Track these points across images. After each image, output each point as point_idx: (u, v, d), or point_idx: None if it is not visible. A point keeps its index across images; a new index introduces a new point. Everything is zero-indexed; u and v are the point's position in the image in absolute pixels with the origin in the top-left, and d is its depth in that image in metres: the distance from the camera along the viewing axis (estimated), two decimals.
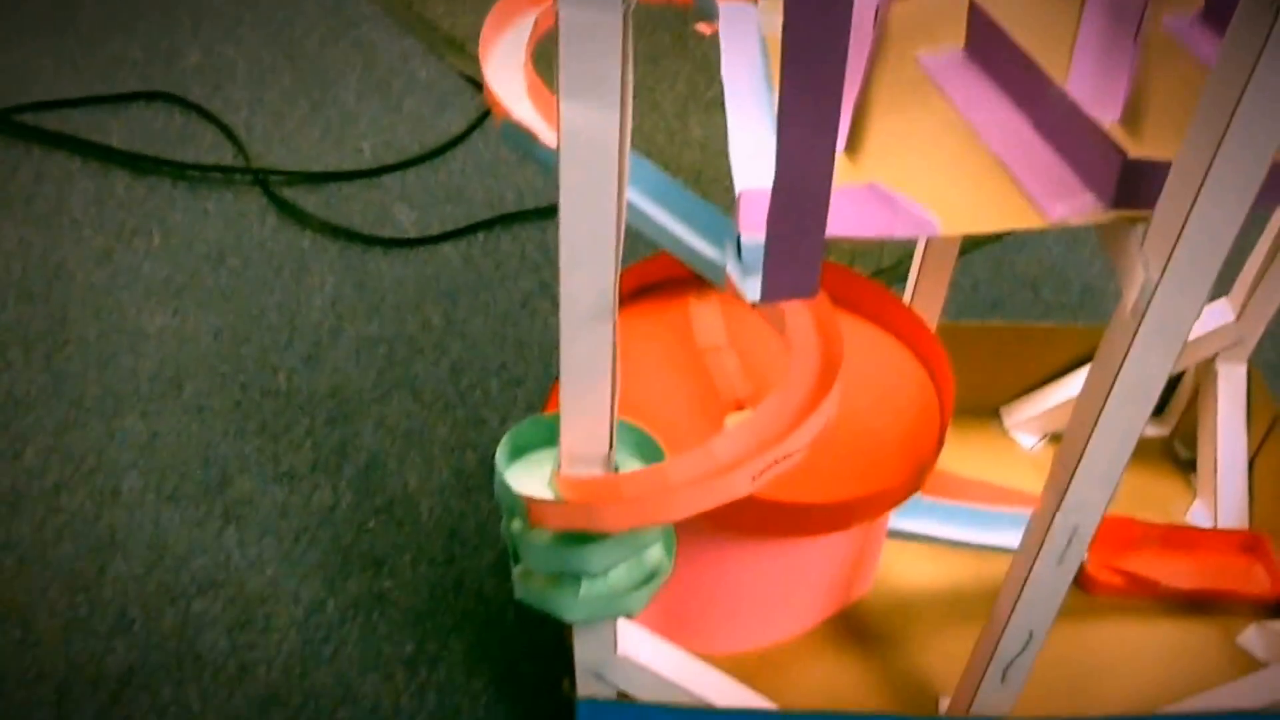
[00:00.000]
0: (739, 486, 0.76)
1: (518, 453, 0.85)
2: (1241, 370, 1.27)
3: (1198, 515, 1.27)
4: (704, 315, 1.08)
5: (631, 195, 0.82)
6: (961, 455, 1.27)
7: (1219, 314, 1.24)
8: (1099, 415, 0.79)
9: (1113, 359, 0.76)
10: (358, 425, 1.32)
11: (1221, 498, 1.25)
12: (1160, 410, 1.35)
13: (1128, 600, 1.19)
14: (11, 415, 1.31)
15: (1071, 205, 0.75)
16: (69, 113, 1.71)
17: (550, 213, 1.57)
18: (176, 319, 1.43)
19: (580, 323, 0.72)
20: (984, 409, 1.35)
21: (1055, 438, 1.33)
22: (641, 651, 0.96)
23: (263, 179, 1.60)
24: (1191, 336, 1.19)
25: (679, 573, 1.02)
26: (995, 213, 0.77)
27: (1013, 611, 0.92)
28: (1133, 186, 0.73)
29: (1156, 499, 1.28)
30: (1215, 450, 1.26)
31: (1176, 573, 1.18)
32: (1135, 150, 0.74)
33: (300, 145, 1.67)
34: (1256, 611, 1.19)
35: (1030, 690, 1.04)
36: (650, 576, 0.86)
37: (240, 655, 1.13)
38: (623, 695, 0.98)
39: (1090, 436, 0.80)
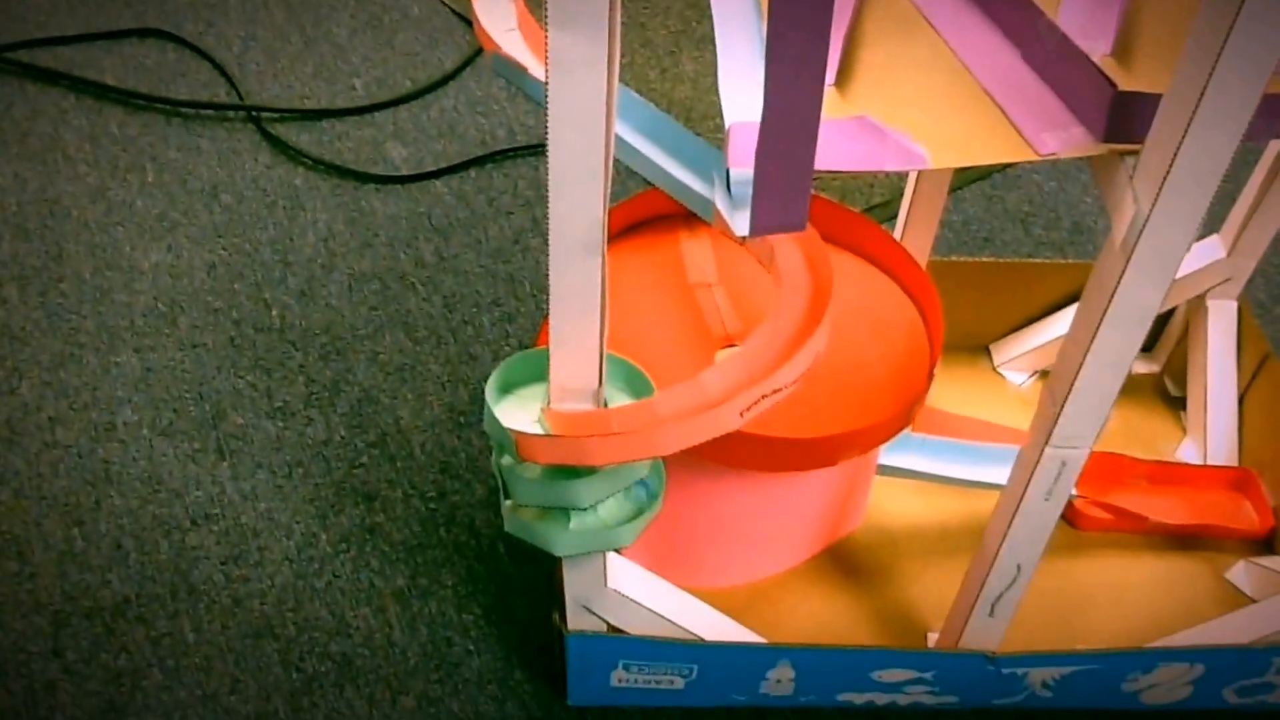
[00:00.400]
0: (728, 421, 0.76)
1: (508, 388, 0.84)
2: (1232, 307, 1.26)
3: (1187, 452, 1.26)
4: (695, 251, 1.07)
5: (620, 129, 0.81)
6: (951, 392, 1.27)
7: (1210, 250, 1.23)
8: (1088, 350, 0.78)
9: (1102, 293, 0.75)
10: (350, 361, 1.31)
11: (1211, 434, 1.24)
12: (1150, 347, 1.35)
13: (1116, 536, 1.18)
14: (7, 350, 1.30)
15: (1062, 138, 0.74)
16: (63, 50, 1.69)
17: (543, 149, 1.55)
18: (170, 255, 1.42)
19: (569, 256, 0.71)
20: (974, 346, 1.34)
21: (1044, 375, 1.32)
22: (631, 585, 0.95)
23: (255, 116, 1.59)
24: (1182, 273, 1.19)
25: (670, 508, 1.02)
26: (985, 146, 0.76)
27: (1001, 545, 0.92)
28: (1123, 119, 0.72)
29: (1146, 436, 1.28)
30: (1205, 387, 1.25)
31: (1165, 509, 1.18)
32: (1126, 83, 0.73)
33: (293, 82, 1.66)
34: (1245, 548, 1.18)
35: (1018, 624, 1.04)
36: (640, 510, 0.85)
37: (234, 588, 1.13)
38: (612, 629, 0.98)
39: (1079, 371, 0.79)
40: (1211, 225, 1.21)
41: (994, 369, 1.33)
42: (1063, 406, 0.82)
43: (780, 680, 1.03)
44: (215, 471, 1.21)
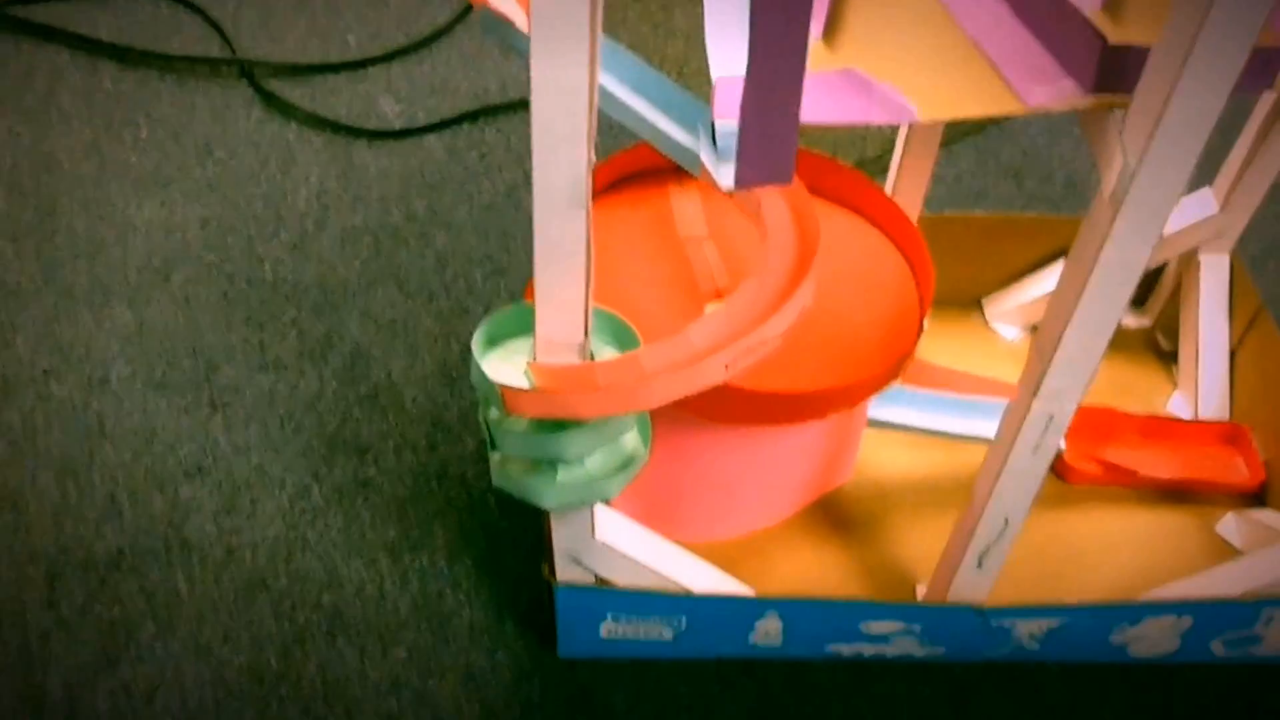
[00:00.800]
0: (712, 375, 0.75)
1: (494, 341, 0.83)
2: (1224, 261, 1.25)
3: (1178, 406, 1.25)
4: (685, 205, 1.06)
5: (607, 82, 0.79)
6: (943, 346, 1.26)
7: (1202, 204, 1.22)
8: (1076, 303, 0.77)
9: (1090, 246, 0.74)
10: (343, 315, 1.30)
11: (1202, 389, 1.23)
12: (1143, 302, 1.33)
13: (1106, 490, 1.18)
14: (1, 305, 1.29)
15: (1050, 91, 0.73)
16: (58, 6, 1.67)
17: None
18: (164, 210, 1.41)
19: (553, 209, 0.70)
20: (966, 300, 1.33)
21: (1036, 329, 1.31)
22: (619, 537, 0.95)
23: (249, 71, 1.57)
24: (1174, 227, 1.18)
25: (661, 461, 1.01)
26: (973, 99, 0.75)
27: (989, 498, 0.91)
28: (1113, 72, 0.71)
29: (1137, 390, 1.27)
30: (1196, 342, 1.24)
31: (1155, 462, 1.17)
32: (1116, 36, 0.71)
33: (286, 37, 1.64)
34: (1235, 501, 1.18)
35: (1007, 577, 1.04)
36: (627, 463, 0.85)
37: (226, 540, 1.12)
38: (601, 581, 0.97)
39: (1067, 325, 0.78)
40: (1204, 178, 1.20)
41: (986, 323, 1.32)
42: (1050, 361, 0.81)
43: (769, 632, 1.02)
44: (208, 425, 1.21)
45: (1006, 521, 0.93)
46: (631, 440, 0.87)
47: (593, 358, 0.79)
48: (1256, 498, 1.17)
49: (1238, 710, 1.04)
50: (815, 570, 1.10)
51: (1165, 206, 0.71)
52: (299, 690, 1.03)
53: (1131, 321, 1.33)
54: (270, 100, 1.54)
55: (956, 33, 0.79)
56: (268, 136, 1.49)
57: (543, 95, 0.65)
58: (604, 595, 0.99)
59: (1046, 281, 1.29)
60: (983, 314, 1.32)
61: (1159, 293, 1.31)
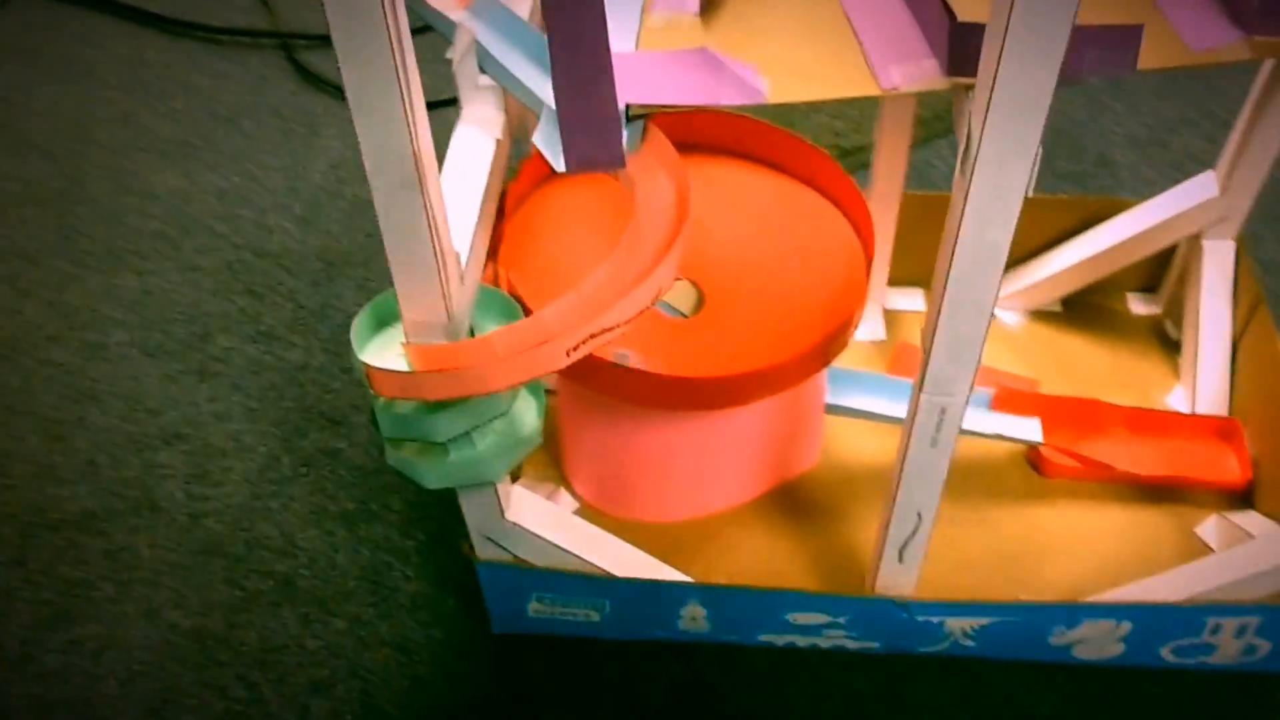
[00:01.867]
0: (554, 360, 0.73)
1: (386, 322, 0.82)
2: (1229, 248, 1.18)
3: (1177, 399, 1.19)
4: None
5: (492, 45, 0.77)
6: None
7: (1203, 188, 1.15)
8: (944, 289, 0.73)
9: (952, 229, 0.70)
10: (340, 286, 1.30)
11: (1201, 381, 1.17)
12: (1154, 289, 1.27)
13: (1086, 485, 1.13)
14: (17, 269, 1.32)
15: (910, 72, 0.70)
16: None
17: None
18: (185, 180, 1.42)
19: (389, 191, 0.69)
20: None
21: (1038, 314, 1.26)
22: (531, 518, 0.93)
23: (286, 43, 1.57)
24: (1174, 211, 1.12)
25: (608, 443, 1.00)
26: (830, 80, 0.72)
27: (898, 493, 0.87)
28: (962, 51, 0.68)
29: (1138, 381, 1.21)
30: (1197, 332, 1.18)
31: (1137, 457, 1.12)
32: (970, 13, 0.67)
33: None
34: (1224, 501, 1.11)
35: (970, 568, 1.04)
36: (516, 444, 0.83)
37: (192, 505, 1.13)
38: (520, 560, 0.96)
39: (940, 312, 0.74)
40: (1209, 161, 1.14)
41: None
42: (929, 350, 0.77)
43: (695, 618, 1.00)
44: (194, 393, 1.22)
45: (919, 515, 0.89)
46: (527, 422, 0.85)
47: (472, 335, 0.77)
48: (1244, 497, 1.10)
49: (1186, 712, 0.99)
50: (767, 556, 1.07)
51: (1014, 188, 0.67)
52: (237, 655, 1.04)
53: (1141, 308, 1.27)
54: (303, 72, 1.54)
55: (836, 10, 0.75)
56: (296, 108, 1.49)
57: (352, 76, 0.63)
58: (525, 575, 0.97)
59: (1048, 264, 1.24)
60: None
61: (1169, 280, 1.25)
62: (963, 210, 0.68)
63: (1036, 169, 0.66)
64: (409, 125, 0.65)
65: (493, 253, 0.97)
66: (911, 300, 1.27)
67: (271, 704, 1.02)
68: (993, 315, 0.74)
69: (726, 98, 0.72)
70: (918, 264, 1.25)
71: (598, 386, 0.94)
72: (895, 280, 1.27)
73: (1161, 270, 1.26)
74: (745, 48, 0.75)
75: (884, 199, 1.13)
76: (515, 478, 1.09)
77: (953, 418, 0.81)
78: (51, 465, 1.17)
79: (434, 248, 0.71)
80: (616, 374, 0.91)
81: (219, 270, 1.33)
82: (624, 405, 0.98)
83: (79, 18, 1.65)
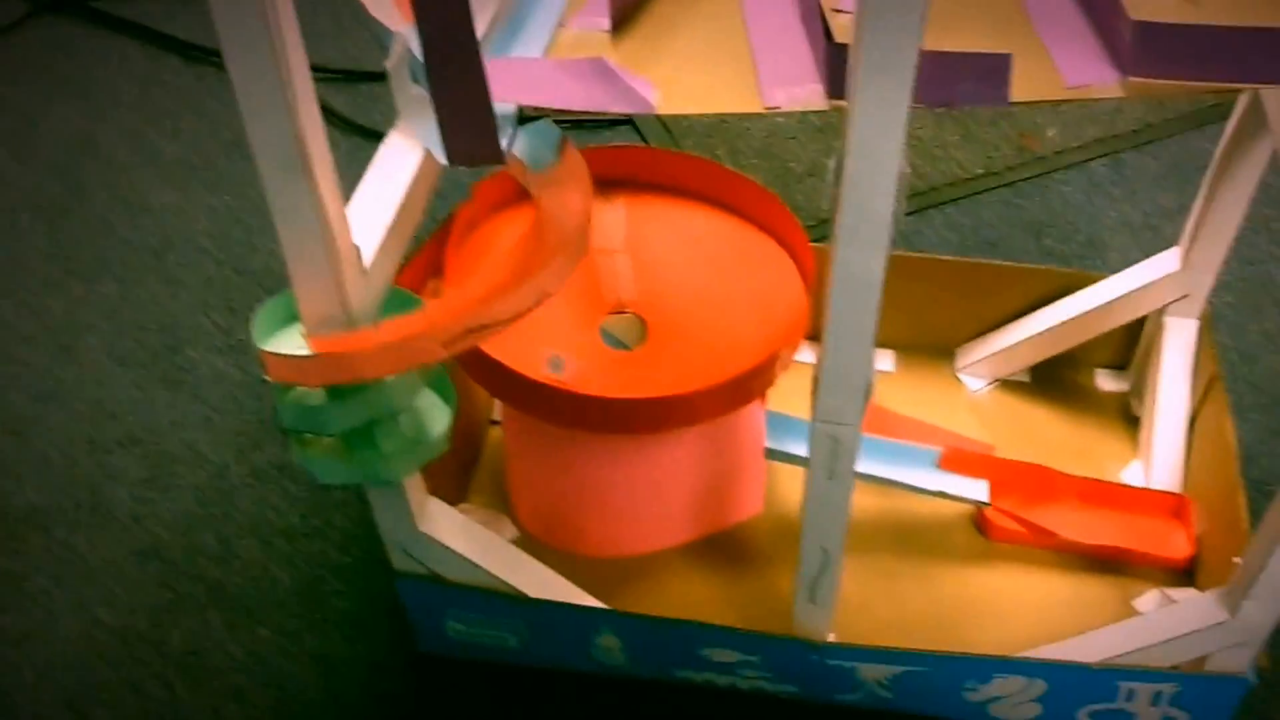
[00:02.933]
0: (430, 351, 0.76)
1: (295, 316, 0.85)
2: (1191, 325, 1.19)
3: (1133, 473, 1.20)
4: (606, 218, 1.07)
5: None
6: (906, 394, 1.26)
7: (1166, 263, 1.17)
8: (826, 321, 0.75)
9: (826, 264, 0.73)
10: None
11: (1155, 457, 1.18)
12: (1124, 367, 1.28)
13: (1031, 551, 1.14)
14: (4, 270, 1.37)
15: (792, 93, 0.73)
16: (141, 3, 1.77)
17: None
18: (180, 196, 1.48)
19: (276, 177, 0.72)
20: (942, 347, 1.30)
21: (1005, 384, 1.27)
22: (444, 531, 0.96)
23: None
24: (1135, 285, 1.14)
25: (550, 471, 1.02)
26: (719, 97, 0.75)
27: (804, 530, 0.89)
28: (839, 74, 0.70)
29: (1096, 454, 1.22)
30: (1155, 408, 1.19)
31: (1085, 527, 1.13)
32: (841, 34, 0.70)
33: (348, 45, 1.70)
34: (1168, 577, 1.12)
35: (902, 623, 1.07)
36: (413, 446, 0.86)
37: (136, 508, 1.17)
38: (437, 576, 0.98)
39: (824, 344, 0.76)
40: (1174, 237, 1.16)
41: (954, 373, 1.28)
42: (818, 381, 0.79)
43: (610, 648, 1.01)
44: (155, 400, 1.26)
45: (825, 553, 0.91)
46: (431, 428, 0.88)
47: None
48: (1189, 574, 1.11)
49: None
50: (696, 598, 1.09)
51: (881, 216, 0.69)
52: (159, 655, 1.07)
53: (1110, 385, 1.28)
54: None
55: (740, 34, 0.78)
56: None
57: (236, 61, 0.66)
58: (441, 591, 0.99)
59: (1015, 333, 1.25)
60: (953, 364, 1.28)
61: (1136, 357, 1.26)
62: (835, 235, 0.70)
63: (904, 193, 0.69)
64: (290, 108, 0.69)
65: (438, 271, 1.01)
66: (881, 360, 1.29)
67: (185, 706, 1.04)
68: (875, 347, 0.77)
69: (616, 105, 0.75)
70: (887, 325, 1.27)
71: (527, 406, 0.97)
72: None
73: (1131, 348, 1.27)
74: (648, 64, 0.78)
75: None
76: (458, 501, 1.12)
77: (847, 449, 0.83)
78: (5, 460, 1.21)
79: (324, 235, 0.74)
80: (547, 395, 0.93)
81: (199, 285, 1.37)
82: (563, 435, 1.00)
83: (101, 38, 1.71)
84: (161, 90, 1.63)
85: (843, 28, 0.71)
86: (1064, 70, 0.70)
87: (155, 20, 1.73)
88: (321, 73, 1.61)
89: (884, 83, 0.64)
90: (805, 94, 0.72)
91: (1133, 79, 0.68)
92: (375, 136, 1.45)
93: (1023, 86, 0.69)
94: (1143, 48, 0.67)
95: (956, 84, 0.68)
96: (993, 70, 0.68)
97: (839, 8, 0.74)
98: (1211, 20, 0.69)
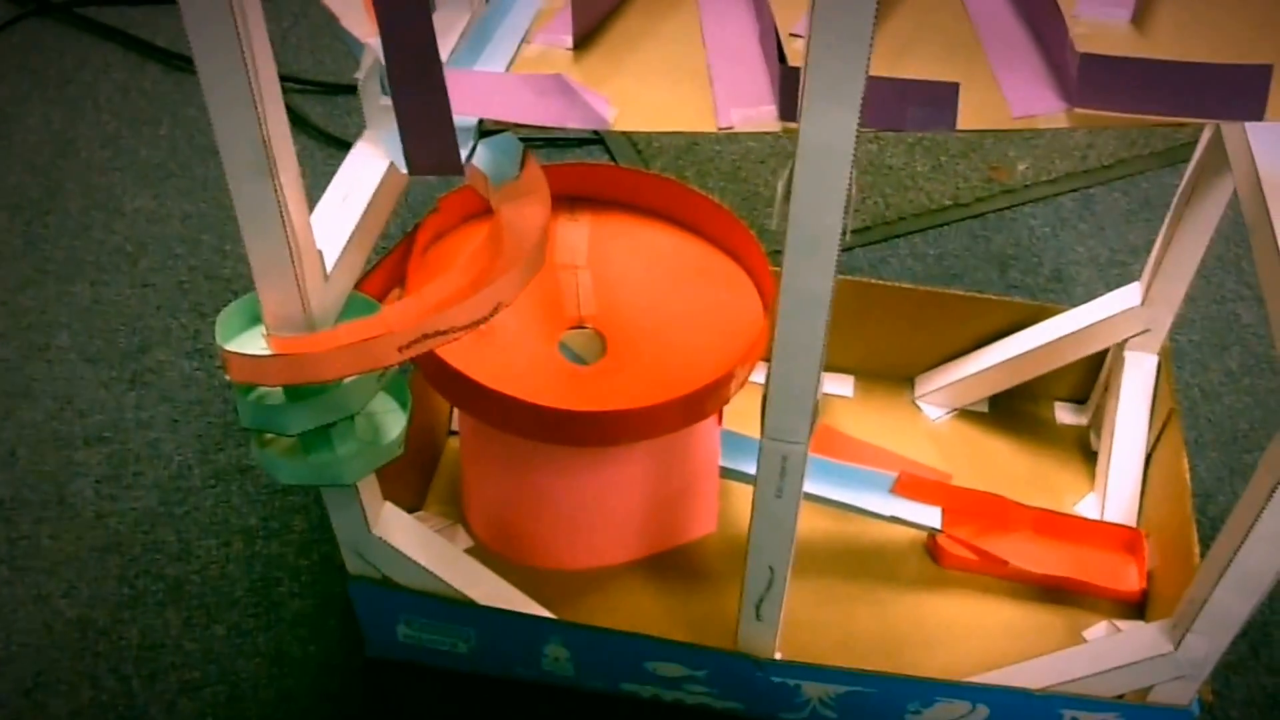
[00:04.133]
0: (385, 355, 0.77)
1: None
2: (1150, 360, 1.21)
3: (1088, 506, 1.21)
4: (571, 234, 1.09)
5: None
6: (864, 420, 1.28)
7: (1127, 297, 1.19)
8: (775, 339, 0.77)
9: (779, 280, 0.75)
10: None
11: (1110, 490, 1.20)
12: (1083, 400, 1.30)
13: (983, 579, 1.15)
14: None
15: (747, 115, 0.74)
16: (126, 10, 1.78)
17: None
18: (155, 201, 1.49)
19: (242, 179, 0.74)
20: (901, 376, 1.31)
21: (964, 413, 1.29)
22: (397, 535, 0.97)
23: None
24: (1094, 319, 1.15)
25: (503, 481, 1.04)
26: (674, 116, 0.76)
27: (751, 548, 0.90)
28: (791, 96, 0.72)
29: (1053, 486, 1.24)
30: (1112, 441, 1.21)
31: (1037, 557, 1.14)
32: (795, 58, 0.72)
33: (326, 59, 1.72)
34: (1119, 610, 1.13)
35: (848, 645, 1.08)
36: (367, 449, 0.87)
37: (100, 505, 1.18)
38: (389, 580, 0.99)
39: (773, 361, 0.78)
40: (1137, 272, 1.18)
41: (913, 401, 1.30)
42: (767, 397, 0.81)
43: (558, 659, 1.03)
44: (122, 399, 1.27)
45: (772, 570, 0.92)
46: (387, 432, 0.89)
47: None
48: (1140, 608, 1.12)
49: None
50: (645, 613, 1.11)
51: (828, 237, 0.71)
52: (116, 648, 1.08)
53: (1070, 419, 1.30)
54: (289, 114, 1.60)
55: (699, 55, 0.80)
56: None
57: (207, 65, 0.68)
58: (393, 595, 1.01)
59: (973, 364, 1.27)
60: (912, 392, 1.30)
61: (1097, 392, 1.28)
62: (785, 253, 0.72)
63: (850, 217, 0.70)
64: (258, 112, 0.70)
65: (402, 282, 1.02)
66: (840, 385, 1.30)
67: (139, 698, 1.06)
68: (823, 366, 0.78)
69: (573, 121, 0.77)
70: (847, 351, 1.30)
71: (484, 416, 0.98)
72: (826, 365, 1.30)
73: (1091, 382, 1.29)
74: (608, 81, 0.80)
75: None
76: (414, 509, 1.14)
77: (795, 468, 0.85)
78: None
79: (287, 238, 0.75)
80: (503, 404, 0.95)
81: (170, 288, 1.39)
82: (519, 445, 1.02)
83: (85, 43, 1.73)
84: (141, 96, 1.64)
85: (797, 52, 0.72)
86: (1012, 100, 0.71)
87: (138, 28, 1.75)
88: (299, 84, 1.64)
89: (832, 106, 0.65)
90: (759, 115, 0.74)
91: (1078, 110, 0.70)
92: (350, 147, 1.47)
93: (971, 115, 0.70)
94: (1088, 80, 0.69)
95: (906, 109, 0.69)
96: (942, 97, 0.69)
97: (795, 32, 0.76)
98: (1158, 55, 0.71)
